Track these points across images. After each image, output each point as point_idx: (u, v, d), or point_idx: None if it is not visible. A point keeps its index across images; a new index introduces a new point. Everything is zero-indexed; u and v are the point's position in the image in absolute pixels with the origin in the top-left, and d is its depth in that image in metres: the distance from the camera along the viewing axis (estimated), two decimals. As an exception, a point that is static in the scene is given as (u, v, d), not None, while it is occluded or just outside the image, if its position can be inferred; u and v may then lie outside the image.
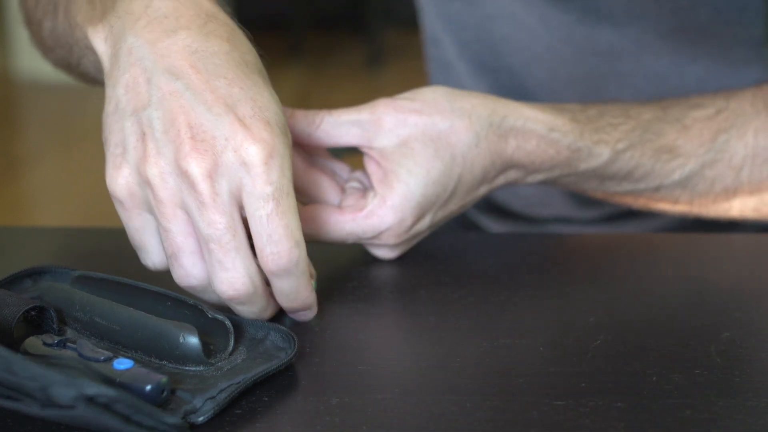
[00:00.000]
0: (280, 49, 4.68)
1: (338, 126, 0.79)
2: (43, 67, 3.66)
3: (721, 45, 1.01)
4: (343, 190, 0.81)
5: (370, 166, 0.79)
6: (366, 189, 0.80)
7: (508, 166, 0.81)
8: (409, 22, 3.44)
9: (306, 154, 0.82)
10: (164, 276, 0.73)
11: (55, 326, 0.68)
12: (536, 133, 0.81)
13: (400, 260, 0.82)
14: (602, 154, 0.83)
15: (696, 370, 0.67)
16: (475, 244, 0.88)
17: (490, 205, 1.15)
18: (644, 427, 0.61)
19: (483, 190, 0.82)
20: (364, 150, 0.79)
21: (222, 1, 0.74)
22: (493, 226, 1.16)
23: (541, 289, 0.78)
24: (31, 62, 3.81)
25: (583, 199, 1.09)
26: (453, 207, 0.80)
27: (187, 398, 0.61)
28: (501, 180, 0.82)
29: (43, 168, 3.20)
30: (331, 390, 0.65)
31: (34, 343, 0.64)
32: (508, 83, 1.09)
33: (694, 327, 0.73)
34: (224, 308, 0.68)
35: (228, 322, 0.65)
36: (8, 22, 3.95)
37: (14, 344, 0.65)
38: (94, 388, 0.55)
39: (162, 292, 0.67)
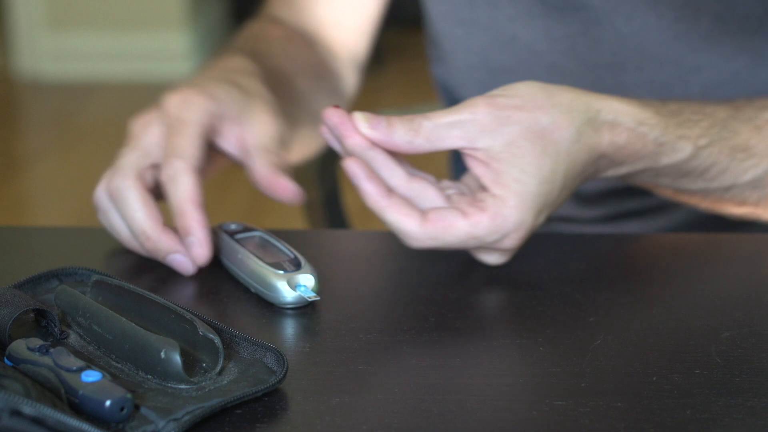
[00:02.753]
0: (280, 49, 4.67)
1: (438, 130, 0.76)
2: (43, 67, 3.66)
3: (724, 53, 1.01)
4: (447, 198, 0.78)
5: (477, 168, 0.77)
6: (464, 194, 0.79)
7: (601, 159, 0.80)
8: (409, 21, 3.44)
9: (407, 164, 0.79)
10: (175, 286, 0.73)
11: (56, 329, 0.68)
12: (626, 127, 0.80)
13: (399, 260, 0.82)
14: (684, 149, 0.83)
15: (696, 370, 0.67)
16: (475, 244, 0.88)
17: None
18: (644, 427, 0.61)
19: (578, 185, 0.81)
20: (467, 152, 0.77)
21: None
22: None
23: (541, 290, 0.78)
24: (31, 62, 3.81)
25: (585, 199, 1.09)
26: (556, 204, 0.79)
27: (150, 417, 0.60)
28: (592, 174, 0.81)
29: (43, 168, 3.20)
30: (331, 390, 0.65)
31: (19, 345, 0.64)
32: None
33: (694, 327, 0.73)
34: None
35: (218, 341, 0.64)
36: (8, 23, 3.95)
37: (6, 345, 0.65)
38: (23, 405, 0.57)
39: (168, 306, 0.67)
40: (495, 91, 0.78)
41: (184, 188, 0.79)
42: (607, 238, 0.91)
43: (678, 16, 0.99)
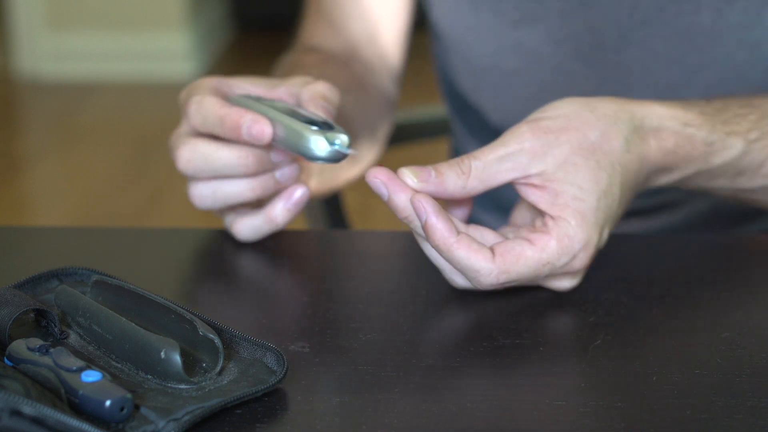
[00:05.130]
0: (280, 49, 4.68)
1: (489, 168, 0.74)
2: (43, 67, 3.66)
3: (725, 49, 1.01)
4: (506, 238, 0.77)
5: (533, 195, 0.75)
6: (521, 225, 0.78)
7: (651, 167, 0.79)
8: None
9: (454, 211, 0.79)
10: (175, 286, 0.72)
11: (56, 329, 0.68)
12: (673, 131, 0.79)
13: (399, 260, 0.82)
14: (735, 145, 0.81)
15: (696, 370, 0.67)
16: (475, 244, 0.87)
17: (494, 202, 1.15)
18: (644, 427, 0.61)
19: (632, 197, 0.79)
20: (519, 182, 0.75)
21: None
22: (498, 224, 1.15)
23: (541, 289, 0.77)
24: (31, 62, 3.81)
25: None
26: (617, 218, 0.78)
27: (150, 417, 0.60)
28: (643, 184, 0.80)
29: (43, 168, 3.20)
30: (331, 390, 0.65)
31: (19, 345, 0.64)
32: (522, 110, 1.07)
33: (694, 327, 0.73)
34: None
35: (218, 341, 0.64)
36: (8, 22, 3.95)
37: (6, 345, 0.65)
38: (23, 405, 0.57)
39: (168, 306, 0.67)
40: (537, 114, 0.76)
41: (210, 103, 0.80)
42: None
43: (679, 10, 0.99)
